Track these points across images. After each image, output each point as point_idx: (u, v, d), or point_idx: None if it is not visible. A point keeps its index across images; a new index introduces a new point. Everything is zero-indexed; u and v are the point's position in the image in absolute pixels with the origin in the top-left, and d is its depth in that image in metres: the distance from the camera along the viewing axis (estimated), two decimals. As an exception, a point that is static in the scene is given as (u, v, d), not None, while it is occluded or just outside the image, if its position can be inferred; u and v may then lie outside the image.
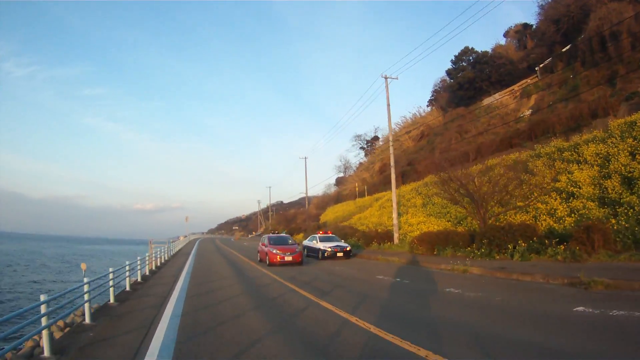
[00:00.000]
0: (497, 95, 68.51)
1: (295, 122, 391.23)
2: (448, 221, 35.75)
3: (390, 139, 40.89)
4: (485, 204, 27.13)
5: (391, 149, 40.31)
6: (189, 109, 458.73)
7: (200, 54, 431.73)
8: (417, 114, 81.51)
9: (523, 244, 22.49)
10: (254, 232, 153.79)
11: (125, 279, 18.57)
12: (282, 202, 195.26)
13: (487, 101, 69.60)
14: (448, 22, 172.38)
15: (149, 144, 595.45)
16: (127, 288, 18.41)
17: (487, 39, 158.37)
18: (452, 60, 77.50)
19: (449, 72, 78.46)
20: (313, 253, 34.91)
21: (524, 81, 65.22)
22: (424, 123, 73.80)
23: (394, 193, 37.71)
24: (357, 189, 69.69)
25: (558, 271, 17.14)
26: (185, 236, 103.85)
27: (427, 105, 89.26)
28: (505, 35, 78.66)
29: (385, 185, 69.12)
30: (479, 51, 76.08)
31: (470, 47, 76.63)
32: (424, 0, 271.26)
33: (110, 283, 15.33)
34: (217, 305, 13.79)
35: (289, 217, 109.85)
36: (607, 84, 44.71)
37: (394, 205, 37.11)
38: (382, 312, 12.01)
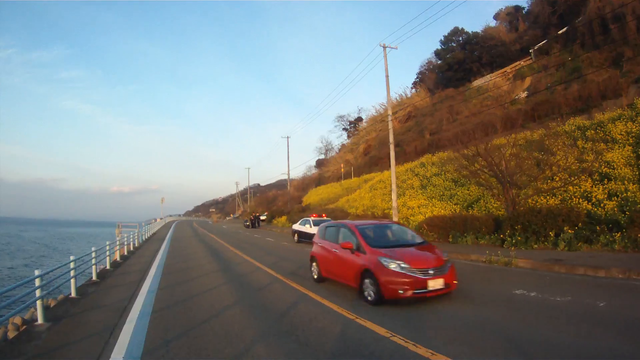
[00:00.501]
0: (488, 77, 64.94)
1: (272, 107, 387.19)
2: (455, 204, 31.44)
3: (389, 111, 36.23)
4: (514, 184, 22.80)
5: (390, 123, 35.80)
6: (165, 93, 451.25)
7: (176, 38, 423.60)
8: (404, 95, 77.45)
9: (569, 231, 18.46)
10: (231, 215, 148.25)
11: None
12: (259, 184, 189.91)
13: (477, 83, 65.81)
14: (434, 3, 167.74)
15: (126, 127, 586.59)
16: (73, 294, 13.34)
17: (476, 20, 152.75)
18: (441, 40, 73.35)
19: (437, 53, 74.26)
20: (306, 239, 30.64)
21: (517, 63, 62.06)
22: (411, 104, 69.62)
23: (393, 172, 33.35)
24: (342, 170, 65.20)
25: (631, 263, 14.04)
26: (162, 218, 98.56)
27: (412, 88, 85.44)
28: (496, 17, 74.60)
29: (370, 167, 65.11)
30: (470, 32, 72.29)
31: (460, 28, 72.68)
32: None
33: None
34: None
35: (269, 199, 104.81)
36: (613, 66, 41.84)
37: (393, 186, 32.67)
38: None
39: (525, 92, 54.30)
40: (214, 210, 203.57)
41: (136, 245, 32.28)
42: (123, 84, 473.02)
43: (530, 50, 59.95)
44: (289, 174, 67.54)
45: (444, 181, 35.85)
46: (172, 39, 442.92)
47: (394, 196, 32.60)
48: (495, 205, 26.43)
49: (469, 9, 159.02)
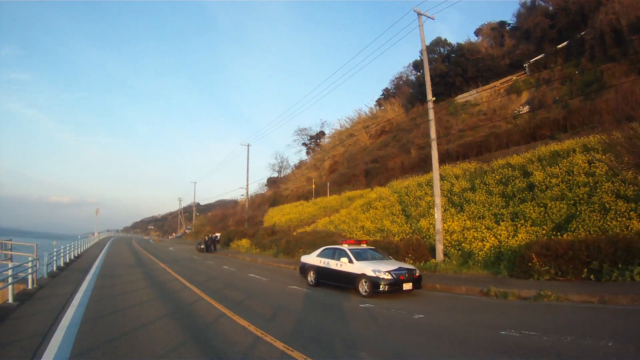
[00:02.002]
0: (474, 92, 54.94)
1: (217, 126, 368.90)
2: (532, 226, 19.21)
3: (430, 106, 24.00)
4: None
5: (431, 114, 23.57)
6: (111, 104, 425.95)
7: (127, 49, 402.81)
8: (374, 109, 65.83)
9: None
10: (174, 234, 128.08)
11: None
12: (199, 203, 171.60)
13: (463, 97, 55.61)
14: (394, 22, 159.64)
15: (69, 136, 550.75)
16: None
17: (455, 37, 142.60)
18: (420, 51, 62.29)
19: (416, 65, 63.52)
20: (337, 281, 16.57)
21: (508, 78, 53.59)
22: (387, 118, 58.19)
23: (436, 179, 20.90)
24: (313, 187, 52.09)
25: None
26: (97, 233, 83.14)
27: (376, 105, 74.52)
28: (477, 33, 64.90)
29: (341, 185, 53.03)
30: (453, 44, 62.32)
31: (443, 39, 62.47)
32: (357, 2, 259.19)
33: None
34: None
35: (217, 218, 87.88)
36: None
37: (437, 200, 20.41)
38: None
39: (527, 106, 46.52)
40: (152, 227, 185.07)
41: (40, 278, 17.18)
42: (69, 92, 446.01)
43: (524, 65, 51.93)
44: (247, 189, 54.12)
45: (485, 197, 24.04)
46: (123, 49, 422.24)
47: (438, 215, 20.20)
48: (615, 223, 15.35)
49: (447, 24, 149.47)
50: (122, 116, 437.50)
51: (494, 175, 26.00)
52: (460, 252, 19.58)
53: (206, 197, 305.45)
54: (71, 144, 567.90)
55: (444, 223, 22.56)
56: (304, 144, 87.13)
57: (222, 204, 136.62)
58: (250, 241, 40.87)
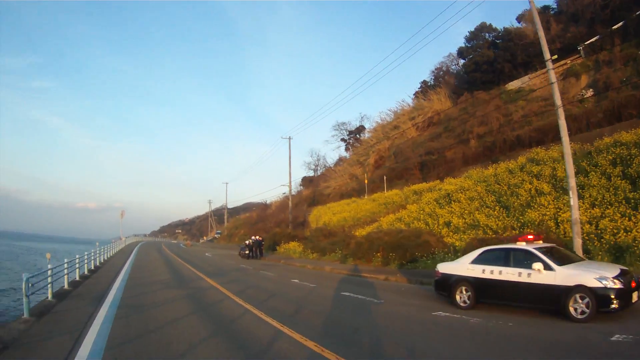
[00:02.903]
0: (526, 78, 50.93)
1: (240, 128, 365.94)
2: None
3: (550, 66, 19.93)
4: None
5: (552, 77, 19.65)
6: (134, 110, 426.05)
7: (148, 55, 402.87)
8: (417, 101, 61.60)
9: None
10: (204, 237, 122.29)
11: None
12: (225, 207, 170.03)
13: (513, 85, 51.64)
14: (428, 21, 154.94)
15: (93, 142, 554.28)
16: None
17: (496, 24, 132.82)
18: (466, 37, 58.13)
19: (461, 51, 59.39)
20: (519, 300, 10.88)
21: (562, 62, 48.94)
22: (434, 109, 54.20)
23: (567, 155, 16.65)
24: (366, 181, 47.22)
25: None
26: (122, 238, 79.92)
27: (417, 96, 70.40)
28: (520, 19, 60.65)
29: (391, 180, 49.10)
30: (499, 29, 58.22)
31: (488, 24, 58.37)
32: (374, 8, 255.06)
33: None
34: None
35: (252, 220, 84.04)
36: None
37: (571, 182, 16.37)
38: None
39: (590, 90, 42.51)
40: (180, 231, 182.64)
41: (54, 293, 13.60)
42: (92, 98, 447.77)
43: (579, 48, 47.70)
44: (290, 186, 50.34)
45: (605, 180, 20.23)
46: (144, 55, 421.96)
47: (574, 202, 16.19)
48: None
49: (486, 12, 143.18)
50: (144, 121, 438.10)
51: (604, 155, 22.21)
52: (607, 246, 15.95)
53: (234, 199, 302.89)
54: (95, 150, 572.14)
55: (565, 212, 18.89)
56: (342, 139, 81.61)
57: (248, 207, 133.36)
58: (302, 244, 35.33)
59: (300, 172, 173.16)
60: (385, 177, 47.72)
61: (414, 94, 70.72)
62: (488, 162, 36.85)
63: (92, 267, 22.89)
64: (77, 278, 18.35)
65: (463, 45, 58.53)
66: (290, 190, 49.93)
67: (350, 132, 79.65)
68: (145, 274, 21.01)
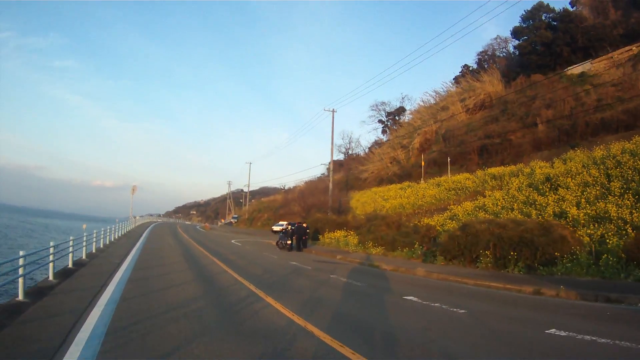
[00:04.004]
0: (586, 63, 45.89)
1: (261, 115, 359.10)
2: None
3: None
4: None
5: None
6: (155, 92, 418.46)
7: (172, 38, 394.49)
8: (467, 83, 56.22)
9: None
10: (222, 220, 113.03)
11: None
12: (242, 190, 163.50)
13: (572, 69, 46.50)
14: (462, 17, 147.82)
15: (113, 122, 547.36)
16: None
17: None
18: (522, 16, 52.70)
19: (516, 31, 53.71)
20: None
21: (627, 48, 44.19)
22: (486, 91, 49.27)
23: None
24: (423, 163, 41.64)
25: None
26: (140, 217, 74.77)
27: (453, 82, 65.25)
28: (574, 3, 55.32)
29: (441, 165, 44.27)
30: (558, 10, 52.84)
31: (545, 3, 53.16)
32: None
33: None
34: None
35: (277, 204, 77.20)
36: None
37: None
38: None
39: None
40: (194, 212, 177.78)
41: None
42: (114, 79, 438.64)
43: None
44: (331, 164, 44.80)
45: None
46: (168, 39, 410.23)
47: None
48: None
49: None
50: (166, 104, 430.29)
51: None
52: None
53: (252, 182, 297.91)
54: (115, 130, 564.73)
55: None
56: (380, 120, 73.95)
57: (265, 191, 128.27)
58: (357, 234, 28.24)
59: (329, 155, 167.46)
60: (435, 162, 42.99)
61: (453, 79, 65.64)
62: (566, 147, 32.29)
63: (72, 264, 14.54)
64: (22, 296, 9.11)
65: (518, 24, 52.99)
66: (332, 169, 44.58)
67: (389, 114, 72.57)
68: (153, 285, 11.49)
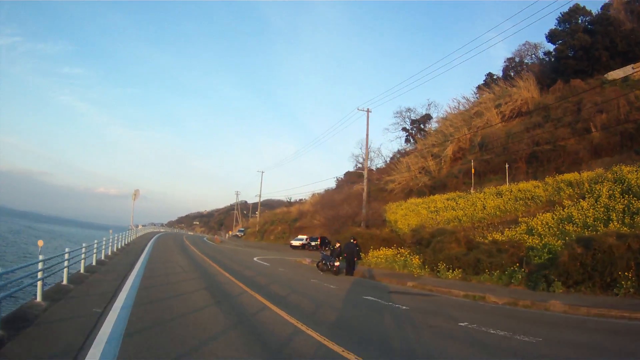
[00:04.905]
0: (628, 69, 42.74)
1: (267, 125, 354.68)
2: None
3: None
4: None
5: None
6: (162, 100, 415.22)
7: (180, 46, 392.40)
8: (500, 88, 52.51)
9: None
10: (229, 232, 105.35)
11: None
12: (246, 202, 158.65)
13: (613, 75, 43.33)
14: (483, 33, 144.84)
15: (119, 130, 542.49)
16: None
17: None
18: (558, 18, 49.33)
19: (551, 35, 50.22)
20: None
21: None
22: (523, 97, 45.86)
23: None
24: (473, 171, 38.79)
25: None
26: (143, 226, 69.48)
27: (475, 92, 62.05)
28: (606, 8, 52.26)
29: (482, 175, 40.65)
30: (594, 12, 49.71)
31: (582, 6, 49.98)
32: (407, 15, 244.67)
33: None
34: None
35: (292, 216, 72.86)
36: None
37: None
38: None
39: None
40: (197, 223, 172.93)
41: None
42: (122, 87, 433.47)
43: None
44: (366, 168, 40.91)
45: None
46: (176, 46, 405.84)
47: None
48: None
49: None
50: (172, 112, 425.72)
51: None
52: None
53: (255, 195, 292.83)
54: (121, 137, 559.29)
55: None
56: (404, 128, 68.68)
57: (269, 204, 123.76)
58: (412, 253, 23.77)
59: (347, 165, 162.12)
60: (473, 171, 39.39)
61: (477, 87, 62.45)
62: (629, 152, 30.42)
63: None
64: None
65: (554, 27, 49.56)
66: (366, 177, 40.64)
67: (414, 121, 67.90)
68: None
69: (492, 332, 9.27)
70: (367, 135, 38.90)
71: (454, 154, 45.98)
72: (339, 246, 24.24)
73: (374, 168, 67.29)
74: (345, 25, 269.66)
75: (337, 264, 22.85)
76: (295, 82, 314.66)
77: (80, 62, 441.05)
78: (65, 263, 12.32)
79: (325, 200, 67.98)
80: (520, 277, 16.78)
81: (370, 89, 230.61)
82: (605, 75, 43.54)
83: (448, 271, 20.05)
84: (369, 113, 39.17)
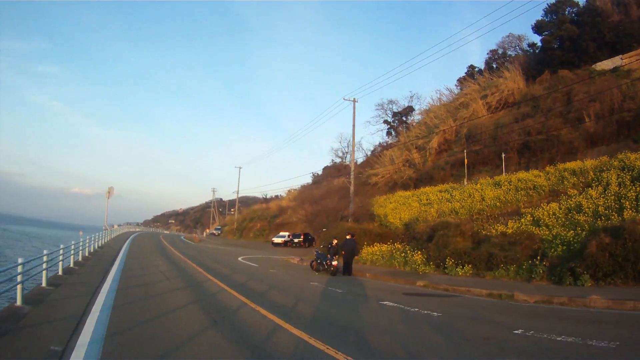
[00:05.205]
0: (617, 59, 41.69)
1: (241, 124, 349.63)
2: None
3: None
4: None
5: None
6: (138, 99, 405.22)
7: (156, 46, 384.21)
8: (485, 79, 50.94)
9: None
10: (206, 230, 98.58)
11: None
12: (221, 199, 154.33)
13: (601, 65, 42.26)
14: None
15: (94, 129, 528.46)
16: None
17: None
18: (544, 9, 48.10)
19: (538, 26, 49.14)
20: None
21: None
22: (509, 88, 44.42)
23: None
24: (465, 161, 36.48)
25: None
26: (117, 225, 65.46)
27: (456, 85, 60.72)
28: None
29: (475, 166, 38.84)
30: (581, 3, 48.51)
31: (567, -5, 48.61)
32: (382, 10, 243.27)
33: None
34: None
35: (271, 212, 69.29)
36: None
37: None
38: None
39: None
40: (173, 221, 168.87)
41: None
42: (97, 85, 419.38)
43: None
44: (353, 161, 38.55)
45: None
46: (152, 46, 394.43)
47: None
48: None
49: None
50: (148, 111, 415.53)
51: None
52: None
53: (230, 193, 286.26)
54: (97, 137, 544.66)
55: None
56: (385, 121, 66.29)
57: (245, 201, 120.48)
58: (413, 248, 21.58)
59: (324, 161, 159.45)
60: (463, 163, 37.66)
61: (457, 80, 61.17)
62: (627, 141, 28.90)
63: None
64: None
65: (541, 18, 48.19)
66: (353, 169, 38.22)
67: (396, 114, 65.48)
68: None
69: (558, 339, 7.24)
70: (354, 125, 36.68)
71: (440, 146, 44.24)
72: (337, 243, 21.54)
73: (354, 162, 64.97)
74: (321, 23, 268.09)
75: (335, 263, 20.21)
76: (271, 80, 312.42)
77: (55, 61, 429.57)
78: (19, 278, 9.73)
79: (304, 196, 65.71)
80: (541, 271, 14.78)
81: (348, 85, 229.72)
82: (594, 66, 42.64)
83: (457, 267, 17.89)
84: (356, 103, 36.79)
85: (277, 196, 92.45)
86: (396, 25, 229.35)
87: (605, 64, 41.82)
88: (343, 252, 20.58)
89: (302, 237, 45.10)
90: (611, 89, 33.44)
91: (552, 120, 34.94)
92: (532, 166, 31.64)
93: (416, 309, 10.99)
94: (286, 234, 49.38)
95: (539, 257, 15.26)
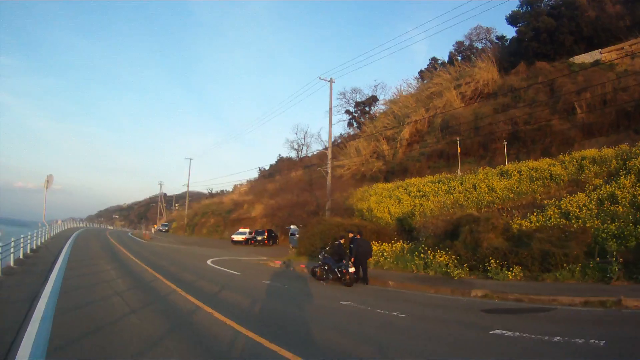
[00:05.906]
0: (596, 53, 39.62)
1: (195, 121, 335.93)
2: None
3: None
4: None
5: None
6: (90, 92, 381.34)
7: (108, 39, 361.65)
8: (459, 68, 47.57)
9: None
10: (154, 226, 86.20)
11: None
12: (165, 194, 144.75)
13: (581, 58, 40.03)
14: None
15: (42, 122, 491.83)
16: None
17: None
18: (520, 1, 45.89)
19: (513, 17, 46.31)
20: None
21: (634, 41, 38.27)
22: (484, 78, 41.35)
23: None
24: (459, 149, 31.71)
25: None
26: (59, 221, 57.77)
27: (417, 77, 57.59)
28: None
29: (449, 159, 35.28)
30: (556, -4, 45.98)
31: (546, -12, 45.99)
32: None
33: None
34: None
35: (225, 208, 62.11)
36: None
37: None
38: None
39: None
40: (117, 216, 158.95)
41: None
42: (45, 77, 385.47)
43: None
44: (330, 148, 34.27)
45: None
46: (103, 39, 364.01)
47: None
48: None
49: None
50: (98, 105, 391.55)
51: None
52: None
53: (175, 188, 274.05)
54: (44, 130, 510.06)
55: None
56: (347, 111, 62.43)
57: (190, 196, 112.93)
58: (444, 253, 15.69)
59: (271, 158, 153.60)
60: (440, 154, 33.95)
61: (419, 72, 58.01)
62: (627, 131, 27.86)
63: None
64: None
65: (516, 9, 45.58)
66: (330, 157, 33.54)
67: (359, 104, 61.47)
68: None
69: None
70: (331, 107, 32.19)
71: (411, 137, 40.42)
72: (344, 243, 16.40)
73: (310, 154, 60.63)
74: (275, 20, 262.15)
75: (352, 269, 14.73)
76: (224, 76, 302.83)
77: (2, 51, 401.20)
78: None
79: (257, 190, 60.59)
80: (616, 269, 10.85)
81: (305, 79, 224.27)
82: (572, 59, 41.15)
83: (502, 269, 13.37)
84: (332, 83, 32.21)
85: (222, 191, 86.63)
86: (358, 17, 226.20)
87: (584, 57, 40.64)
88: (356, 255, 15.36)
89: (265, 234, 39.84)
90: (607, 82, 30.77)
91: (539, 111, 31.73)
92: (522, 157, 28.78)
93: (559, 338, 6.60)
94: (246, 230, 44.04)
95: (597, 254, 11.50)
